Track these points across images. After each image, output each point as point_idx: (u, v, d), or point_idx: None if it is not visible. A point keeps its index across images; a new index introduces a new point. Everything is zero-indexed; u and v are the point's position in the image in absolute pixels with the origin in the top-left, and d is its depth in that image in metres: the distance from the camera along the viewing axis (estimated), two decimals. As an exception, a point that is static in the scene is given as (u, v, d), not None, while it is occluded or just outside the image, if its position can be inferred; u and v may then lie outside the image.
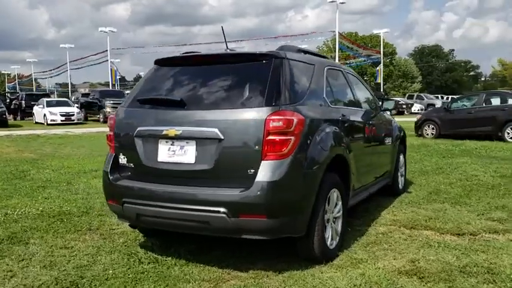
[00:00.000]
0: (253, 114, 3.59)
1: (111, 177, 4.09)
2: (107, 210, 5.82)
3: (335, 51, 43.25)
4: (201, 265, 4.00)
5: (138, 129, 3.95)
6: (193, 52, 4.52)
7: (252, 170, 3.54)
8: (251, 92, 3.74)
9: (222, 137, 3.59)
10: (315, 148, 3.80)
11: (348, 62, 49.89)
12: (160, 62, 4.41)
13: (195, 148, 3.73)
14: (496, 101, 15.77)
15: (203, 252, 4.32)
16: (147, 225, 4.17)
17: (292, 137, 3.55)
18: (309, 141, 3.74)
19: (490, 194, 6.79)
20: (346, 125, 4.62)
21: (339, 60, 40.20)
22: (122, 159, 4.10)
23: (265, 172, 3.50)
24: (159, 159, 3.87)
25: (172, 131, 3.75)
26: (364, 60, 52.24)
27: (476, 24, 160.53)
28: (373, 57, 51.28)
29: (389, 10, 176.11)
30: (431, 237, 4.79)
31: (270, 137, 3.51)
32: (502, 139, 14.86)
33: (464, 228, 5.04)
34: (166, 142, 3.85)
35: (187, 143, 3.76)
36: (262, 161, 3.52)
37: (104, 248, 4.50)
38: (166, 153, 3.85)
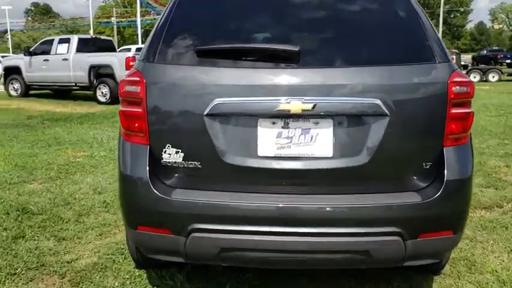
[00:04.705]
0: (428, 74, 2.30)
1: (155, 188, 2.28)
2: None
3: (129, 6, 40.29)
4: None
5: (216, 102, 2.22)
6: None
7: (429, 163, 2.30)
8: (399, 39, 2.42)
9: (387, 112, 2.21)
10: None
11: (143, 18, 47.10)
12: None
13: (332, 132, 2.24)
14: None
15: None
16: (235, 263, 2.49)
17: (471, 110, 2.39)
18: None
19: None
20: None
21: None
22: (171, 155, 2.31)
23: (454, 165, 2.29)
24: (261, 152, 2.26)
25: (298, 104, 2.18)
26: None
27: None
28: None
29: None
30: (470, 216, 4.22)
31: (455, 110, 2.29)
32: None
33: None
34: (274, 123, 2.26)
35: (316, 123, 2.25)
36: (445, 148, 2.30)
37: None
38: (275, 142, 2.26)
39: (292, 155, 2.26)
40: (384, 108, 2.20)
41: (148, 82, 2.31)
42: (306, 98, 2.18)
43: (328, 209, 2.22)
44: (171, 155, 2.31)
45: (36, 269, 3.10)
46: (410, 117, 2.26)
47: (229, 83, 2.25)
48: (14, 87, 16.13)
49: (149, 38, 2.47)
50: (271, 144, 2.26)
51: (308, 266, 2.51)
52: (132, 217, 2.42)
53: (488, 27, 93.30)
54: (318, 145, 2.25)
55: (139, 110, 2.32)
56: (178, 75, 2.31)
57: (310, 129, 2.25)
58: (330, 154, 2.25)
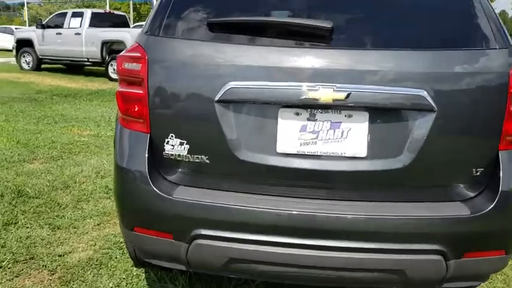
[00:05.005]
0: (485, 62, 1.92)
1: (155, 185, 1.94)
2: None
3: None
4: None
5: (229, 86, 1.87)
6: None
7: (480, 169, 1.93)
8: (451, 19, 2.03)
9: (434, 106, 1.84)
10: None
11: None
12: None
13: (367, 127, 1.88)
14: None
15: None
16: (245, 275, 2.18)
17: None
18: None
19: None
20: None
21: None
22: (175, 147, 1.97)
23: (511, 172, 1.91)
24: (280, 148, 1.91)
25: (328, 92, 1.81)
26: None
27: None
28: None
29: None
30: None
31: None
32: None
33: None
34: (298, 114, 1.90)
35: (348, 116, 1.89)
36: (501, 152, 1.93)
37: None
38: (298, 137, 1.90)
39: (318, 153, 1.91)
40: (430, 101, 1.83)
41: (150, 59, 1.96)
42: (338, 85, 1.81)
43: (358, 219, 1.87)
44: (175, 147, 1.97)
45: (24, 262, 2.82)
46: (461, 114, 1.89)
47: (246, 63, 1.89)
48: (26, 60, 15.86)
49: (155, 8, 2.11)
50: (293, 139, 1.90)
51: (331, 284, 2.17)
52: (128, 216, 2.10)
53: (510, 16, 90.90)
54: (349, 142, 1.89)
55: (140, 91, 1.98)
56: (187, 52, 1.95)
57: (341, 122, 1.89)
58: (364, 154, 1.89)
